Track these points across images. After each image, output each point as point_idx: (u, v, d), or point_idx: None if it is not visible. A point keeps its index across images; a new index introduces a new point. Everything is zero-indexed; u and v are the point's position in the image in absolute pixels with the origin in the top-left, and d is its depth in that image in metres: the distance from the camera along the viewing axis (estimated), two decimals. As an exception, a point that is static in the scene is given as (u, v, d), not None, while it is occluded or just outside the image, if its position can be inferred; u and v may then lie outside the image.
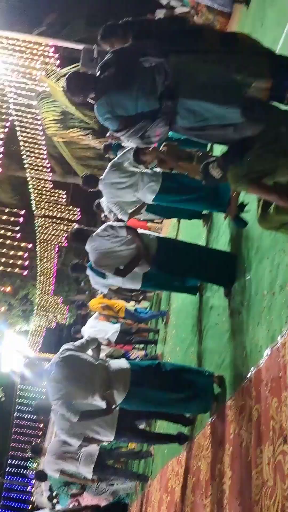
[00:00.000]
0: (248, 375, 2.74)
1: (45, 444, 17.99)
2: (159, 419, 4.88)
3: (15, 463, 23.14)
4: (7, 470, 23.26)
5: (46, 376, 3.35)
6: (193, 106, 2.42)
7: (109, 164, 4.89)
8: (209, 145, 5.25)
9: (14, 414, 22.27)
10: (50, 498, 6.57)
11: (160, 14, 8.71)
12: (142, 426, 5.67)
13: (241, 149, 2.34)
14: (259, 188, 2.33)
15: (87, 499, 6.11)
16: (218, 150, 4.88)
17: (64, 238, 15.40)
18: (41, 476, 5.52)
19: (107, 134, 5.90)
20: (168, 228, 8.88)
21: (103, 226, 4.04)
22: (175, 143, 3.92)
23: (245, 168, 2.31)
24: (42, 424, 21.48)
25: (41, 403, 4.70)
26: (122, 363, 3.51)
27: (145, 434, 4.63)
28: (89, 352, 3.65)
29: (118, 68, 2.49)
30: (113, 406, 3.40)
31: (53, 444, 5.13)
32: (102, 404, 3.39)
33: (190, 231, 6.11)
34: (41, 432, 21.51)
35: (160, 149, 4.77)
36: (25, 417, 21.24)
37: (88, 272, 4.82)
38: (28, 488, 23.30)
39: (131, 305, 8.44)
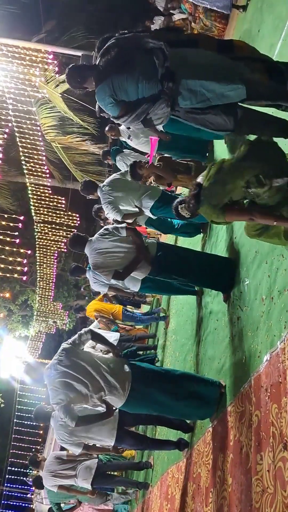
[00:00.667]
0: (248, 381, 2.73)
1: (45, 451, 17.90)
2: (159, 425, 4.85)
3: (15, 470, 22.99)
4: (7, 477, 23.10)
5: (46, 378, 3.31)
6: (194, 86, 2.45)
7: (112, 175, 5.01)
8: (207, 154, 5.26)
9: (14, 420, 22.15)
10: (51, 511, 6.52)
11: (158, 20, 8.77)
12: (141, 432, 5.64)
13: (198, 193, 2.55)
14: (231, 214, 2.54)
15: (86, 509, 6.08)
16: (219, 155, 4.89)
17: (63, 244, 15.41)
18: (39, 483, 5.48)
19: (106, 129, 5.87)
20: (167, 235, 8.88)
21: (104, 227, 4.08)
22: (170, 157, 3.94)
23: (205, 206, 2.55)
24: (42, 431, 21.37)
25: (40, 410, 4.65)
26: (124, 365, 3.43)
27: (145, 440, 4.58)
28: (88, 345, 3.55)
29: (119, 52, 2.51)
30: (114, 409, 3.35)
31: (50, 460, 5.07)
32: (103, 408, 3.36)
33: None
34: (40, 438, 21.39)
35: (156, 164, 4.80)
36: (25, 423, 21.13)
37: (88, 273, 4.82)
38: (28, 495, 23.14)
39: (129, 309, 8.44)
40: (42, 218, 14.24)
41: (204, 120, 2.59)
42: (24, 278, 15.47)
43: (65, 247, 15.67)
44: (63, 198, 14.04)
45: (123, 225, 4.15)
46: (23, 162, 12.32)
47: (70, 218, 14.67)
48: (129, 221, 5.40)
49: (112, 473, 5.87)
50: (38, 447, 21.80)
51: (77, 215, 14.75)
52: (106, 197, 4.84)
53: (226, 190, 2.47)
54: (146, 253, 3.86)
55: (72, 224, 14.85)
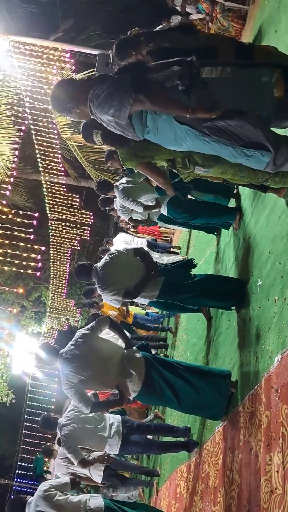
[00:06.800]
0: (258, 381, 2.72)
1: (54, 448, 18.03)
2: (162, 434, 4.88)
3: (25, 465, 23.20)
4: (16, 472, 23.33)
5: (59, 363, 3.31)
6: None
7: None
8: None
9: (25, 416, 22.36)
10: None
11: (175, 20, 8.74)
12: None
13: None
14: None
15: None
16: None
17: (77, 241, 15.51)
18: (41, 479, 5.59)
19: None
20: (180, 234, 8.89)
21: (110, 252, 3.99)
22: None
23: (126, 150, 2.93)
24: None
25: (47, 418, 4.72)
26: (135, 353, 3.40)
27: (151, 443, 4.55)
28: (104, 333, 3.55)
29: None
30: (128, 396, 3.33)
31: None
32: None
33: (202, 237, 6.11)
34: (51, 435, 21.56)
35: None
36: (35, 419, 21.34)
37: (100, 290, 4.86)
38: (37, 491, 23.26)
39: (142, 311, 8.44)
40: (56, 215, 14.36)
41: (226, 127, 2.25)
42: (38, 274, 15.61)
43: (78, 245, 15.77)
44: (78, 196, 14.15)
45: (130, 246, 4.17)
46: (39, 160, 12.44)
47: (84, 216, 14.77)
48: (143, 217, 5.44)
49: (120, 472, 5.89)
50: (48, 443, 21.93)
51: (91, 214, 14.84)
52: (124, 192, 4.94)
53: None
54: (156, 268, 3.73)
55: (86, 222, 14.95)
